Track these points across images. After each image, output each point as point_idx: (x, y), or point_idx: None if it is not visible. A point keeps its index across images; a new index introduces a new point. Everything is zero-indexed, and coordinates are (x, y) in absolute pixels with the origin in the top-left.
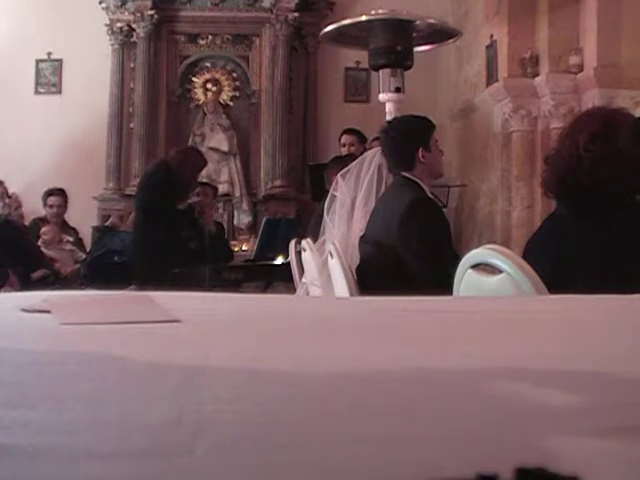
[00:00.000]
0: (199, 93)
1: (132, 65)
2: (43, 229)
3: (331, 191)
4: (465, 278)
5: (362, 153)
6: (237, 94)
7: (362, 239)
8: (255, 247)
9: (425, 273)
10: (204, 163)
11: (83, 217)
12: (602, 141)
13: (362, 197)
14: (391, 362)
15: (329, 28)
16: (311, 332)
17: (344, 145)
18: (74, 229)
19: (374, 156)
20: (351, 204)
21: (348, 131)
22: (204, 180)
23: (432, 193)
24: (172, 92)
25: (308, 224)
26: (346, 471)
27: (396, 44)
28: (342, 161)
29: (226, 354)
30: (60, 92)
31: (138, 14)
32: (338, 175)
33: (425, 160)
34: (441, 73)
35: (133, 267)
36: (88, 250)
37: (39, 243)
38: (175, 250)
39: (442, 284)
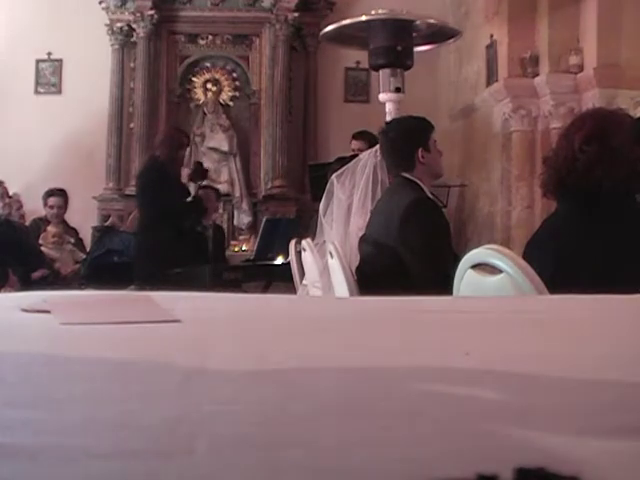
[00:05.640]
0: (199, 93)
1: (132, 65)
2: (49, 228)
3: (326, 192)
4: (465, 278)
5: None
6: (237, 94)
7: (362, 239)
8: (255, 247)
9: (425, 273)
10: (187, 141)
11: (83, 217)
12: (597, 142)
13: (358, 198)
14: (391, 362)
15: (329, 28)
16: (311, 332)
17: (353, 150)
18: (74, 229)
19: (369, 157)
20: (347, 205)
21: (354, 136)
22: (205, 183)
23: (432, 193)
24: (172, 92)
25: (308, 224)
26: (346, 471)
27: (396, 44)
28: (346, 162)
29: (226, 354)
30: (60, 92)
31: (138, 14)
32: (333, 176)
33: (424, 160)
34: (441, 73)
35: (133, 267)
36: (88, 250)
37: (40, 242)
38: (178, 240)
39: (442, 284)
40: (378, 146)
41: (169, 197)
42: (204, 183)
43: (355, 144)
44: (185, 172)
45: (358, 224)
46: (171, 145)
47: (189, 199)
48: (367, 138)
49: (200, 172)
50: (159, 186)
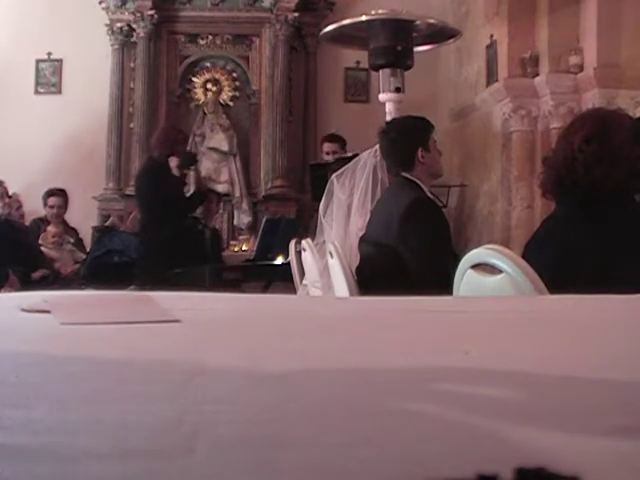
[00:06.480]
0: (199, 93)
1: (132, 65)
2: (49, 228)
3: (326, 192)
4: (465, 278)
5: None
6: (237, 94)
7: (362, 239)
8: (255, 247)
9: (425, 273)
10: (183, 138)
11: (83, 217)
12: (596, 142)
13: (358, 198)
14: (391, 362)
15: (329, 28)
16: (311, 332)
17: (327, 153)
18: (74, 229)
19: (369, 157)
20: (347, 205)
21: (329, 139)
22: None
23: (432, 193)
24: (172, 92)
25: (308, 224)
26: (346, 471)
27: (396, 44)
28: (346, 162)
29: (226, 354)
30: (60, 92)
31: (138, 14)
32: (333, 176)
33: (424, 160)
34: (441, 73)
35: (133, 267)
36: (88, 250)
37: (40, 242)
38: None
39: (442, 284)
40: (377, 146)
41: (168, 196)
42: (208, 186)
43: (330, 146)
44: (174, 162)
45: (358, 224)
46: (167, 143)
47: (188, 194)
48: (338, 140)
49: (188, 158)
50: (158, 186)
